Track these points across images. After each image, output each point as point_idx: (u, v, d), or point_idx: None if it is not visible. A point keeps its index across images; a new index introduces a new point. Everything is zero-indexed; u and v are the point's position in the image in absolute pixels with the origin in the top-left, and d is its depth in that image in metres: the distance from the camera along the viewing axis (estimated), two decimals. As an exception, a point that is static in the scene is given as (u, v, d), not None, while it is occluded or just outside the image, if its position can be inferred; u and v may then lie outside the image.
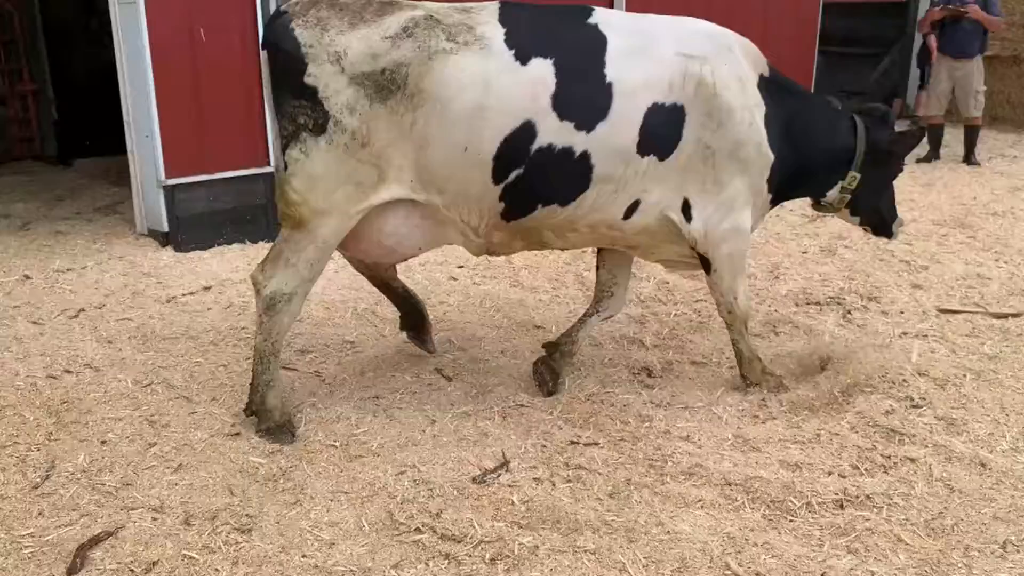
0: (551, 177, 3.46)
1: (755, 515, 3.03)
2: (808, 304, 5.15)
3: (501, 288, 5.42)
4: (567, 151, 3.42)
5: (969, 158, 9.54)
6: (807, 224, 6.83)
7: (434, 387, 4.04)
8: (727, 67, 3.62)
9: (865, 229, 4.35)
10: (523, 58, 3.35)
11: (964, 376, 4.11)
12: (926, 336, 4.65)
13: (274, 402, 3.54)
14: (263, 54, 3.43)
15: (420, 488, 3.17)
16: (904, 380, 4.00)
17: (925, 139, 9.36)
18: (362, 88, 3.25)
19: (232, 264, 5.86)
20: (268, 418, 3.53)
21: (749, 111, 3.64)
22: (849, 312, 4.98)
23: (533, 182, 3.45)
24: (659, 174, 3.58)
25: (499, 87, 3.31)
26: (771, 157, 3.72)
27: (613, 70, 3.45)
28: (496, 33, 3.36)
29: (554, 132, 3.38)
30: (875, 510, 3.03)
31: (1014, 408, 3.78)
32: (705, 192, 3.67)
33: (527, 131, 3.36)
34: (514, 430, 3.62)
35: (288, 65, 3.28)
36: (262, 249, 5.84)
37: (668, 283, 5.48)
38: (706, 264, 3.82)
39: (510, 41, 3.35)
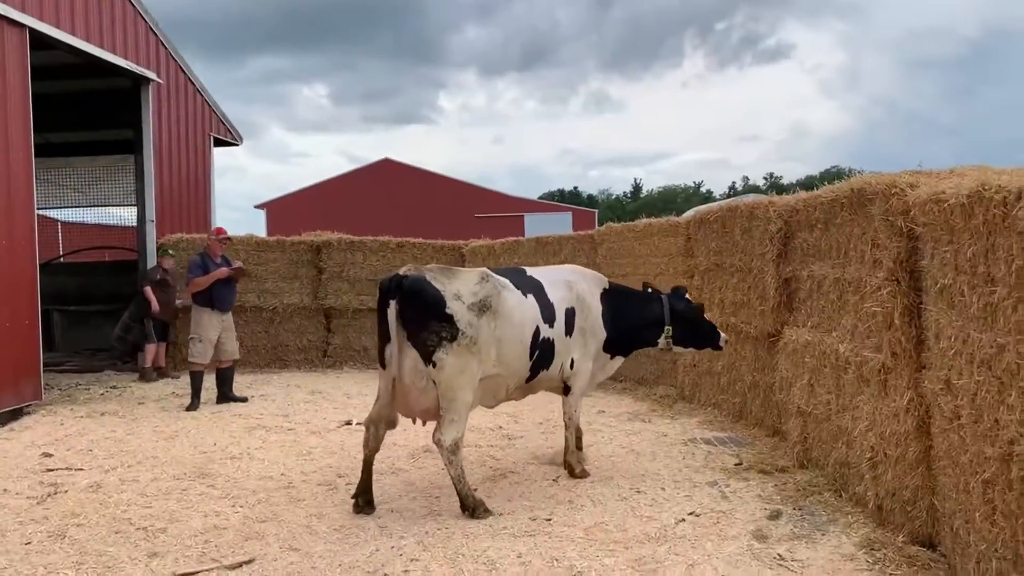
0: (545, 354, 6.35)
1: None
2: (27, 610, 4.39)
3: None
4: (548, 339, 6.34)
5: (229, 393, 10.54)
6: (31, 508, 6.06)
7: None
8: (585, 286, 6.87)
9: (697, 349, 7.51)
10: (525, 293, 6.25)
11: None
12: (163, 610, 4.36)
13: (478, 498, 5.90)
14: (396, 300, 5.67)
15: None
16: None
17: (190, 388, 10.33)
18: (472, 312, 5.73)
19: None
20: (480, 507, 5.80)
21: (596, 309, 6.82)
22: (76, 607, 4.40)
23: (542, 357, 6.32)
24: (568, 345, 6.57)
25: (525, 308, 6.16)
26: (604, 333, 6.86)
27: (550, 295, 6.44)
28: (508, 282, 6.18)
29: (545, 330, 6.29)
30: None
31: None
32: (578, 351, 6.67)
33: (538, 330, 6.23)
34: None
35: (433, 302, 5.67)
36: None
37: None
38: (567, 389, 6.78)
39: (516, 286, 6.23)
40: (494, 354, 5.88)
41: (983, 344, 3.77)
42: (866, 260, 5.54)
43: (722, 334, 7.38)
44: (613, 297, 7.01)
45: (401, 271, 5.81)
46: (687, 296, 7.36)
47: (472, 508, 5.78)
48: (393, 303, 5.66)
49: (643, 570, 4.81)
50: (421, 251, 14.54)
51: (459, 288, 5.77)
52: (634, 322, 7.04)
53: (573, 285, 6.76)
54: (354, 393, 11.50)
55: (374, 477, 6.16)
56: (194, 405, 10.14)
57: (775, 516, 5.71)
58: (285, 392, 11.52)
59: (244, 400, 10.64)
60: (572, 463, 6.84)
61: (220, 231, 10.98)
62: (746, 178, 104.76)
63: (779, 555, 4.99)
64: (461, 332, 5.66)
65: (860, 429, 5.60)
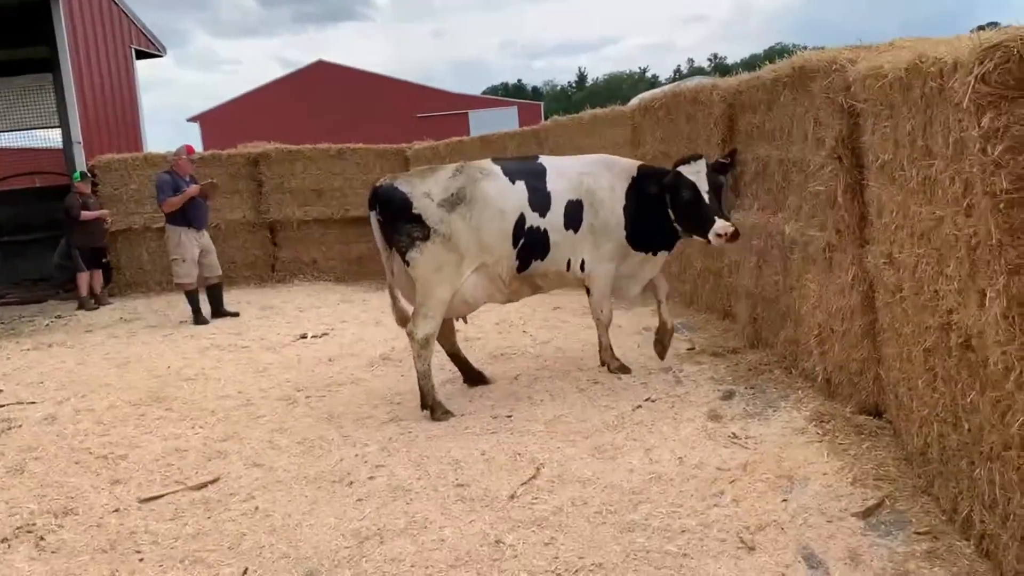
0: (535, 244, 6.15)
1: None
2: (-8, 546, 4.36)
3: None
4: (538, 228, 6.14)
5: (221, 310, 10.67)
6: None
7: None
8: (606, 179, 6.40)
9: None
10: (513, 180, 6.11)
11: (171, 570, 3.94)
12: (132, 532, 4.36)
13: (437, 399, 5.96)
14: (376, 210, 5.99)
15: None
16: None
17: (189, 308, 10.42)
18: (443, 208, 5.84)
19: None
20: (438, 407, 5.90)
21: (613, 205, 6.35)
22: (43, 538, 4.37)
23: (530, 247, 6.13)
24: (574, 242, 6.30)
25: (507, 196, 6.04)
26: (622, 231, 6.40)
27: (550, 184, 6.22)
28: (496, 169, 6.13)
29: (533, 218, 6.11)
30: None
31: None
32: (591, 251, 6.37)
33: (522, 218, 6.07)
34: None
35: (401, 206, 5.84)
36: None
37: None
38: (588, 291, 6.57)
39: (505, 172, 6.13)
40: (475, 242, 5.91)
41: (923, 217, 3.82)
42: (809, 139, 5.54)
43: (717, 227, 5.91)
44: (641, 187, 6.35)
45: (379, 182, 6.08)
46: (705, 164, 6.15)
47: (432, 407, 5.91)
48: (373, 214, 6.01)
49: (603, 457, 4.94)
50: (363, 157, 14.19)
51: (430, 187, 5.90)
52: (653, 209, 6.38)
53: (586, 177, 6.32)
54: (306, 306, 11.41)
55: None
56: (200, 320, 10.36)
57: (728, 396, 5.88)
58: (236, 309, 11.36)
59: (236, 315, 10.73)
60: (608, 359, 6.73)
61: (190, 149, 11.05)
62: (691, 60, 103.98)
63: (733, 433, 5.16)
64: (433, 230, 5.81)
65: (807, 307, 5.73)
